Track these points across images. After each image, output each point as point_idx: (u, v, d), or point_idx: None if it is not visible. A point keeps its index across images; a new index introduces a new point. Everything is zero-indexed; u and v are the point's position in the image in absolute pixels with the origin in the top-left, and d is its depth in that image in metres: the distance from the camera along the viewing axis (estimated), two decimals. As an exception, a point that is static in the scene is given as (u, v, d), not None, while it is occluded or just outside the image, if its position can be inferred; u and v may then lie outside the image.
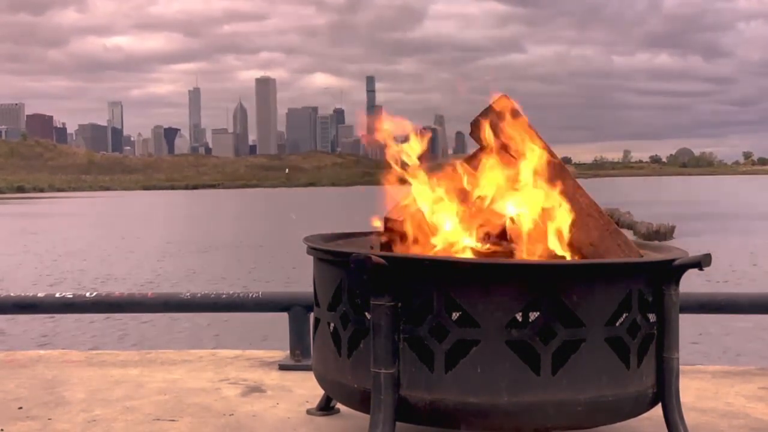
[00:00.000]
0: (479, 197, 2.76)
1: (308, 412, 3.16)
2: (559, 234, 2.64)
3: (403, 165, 2.79)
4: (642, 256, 2.74)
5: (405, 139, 2.82)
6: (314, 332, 2.82)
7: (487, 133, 2.71)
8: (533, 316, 2.57)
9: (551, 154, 2.74)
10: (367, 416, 2.46)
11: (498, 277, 2.40)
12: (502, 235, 2.69)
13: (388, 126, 2.81)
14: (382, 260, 2.37)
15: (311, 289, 2.86)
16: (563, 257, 2.64)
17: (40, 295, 4.44)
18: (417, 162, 2.79)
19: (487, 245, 2.66)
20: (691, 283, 3.24)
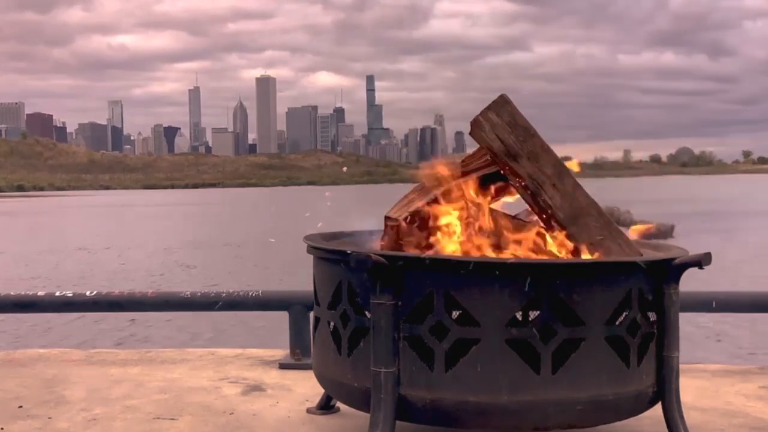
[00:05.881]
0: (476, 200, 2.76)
1: (308, 410, 3.16)
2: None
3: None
4: (642, 255, 2.74)
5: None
6: (314, 331, 2.82)
7: (486, 133, 2.71)
8: (533, 314, 2.57)
9: (550, 153, 2.74)
10: (367, 415, 2.46)
11: (498, 275, 2.40)
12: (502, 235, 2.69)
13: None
14: (382, 259, 2.37)
15: (311, 288, 2.86)
16: (563, 256, 2.64)
17: (40, 293, 4.44)
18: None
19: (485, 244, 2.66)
20: (691, 282, 3.24)
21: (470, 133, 2.75)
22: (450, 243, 2.69)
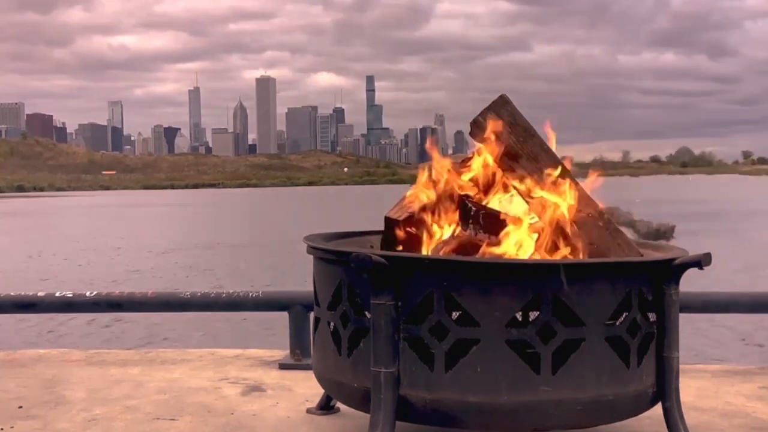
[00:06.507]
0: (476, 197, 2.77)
1: (308, 411, 3.16)
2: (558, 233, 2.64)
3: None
4: (642, 256, 2.74)
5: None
6: (314, 331, 2.82)
7: (486, 133, 2.71)
8: (533, 315, 2.57)
9: (550, 153, 2.74)
10: (367, 415, 2.46)
11: (498, 276, 2.40)
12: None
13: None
14: (382, 259, 2.37)
15: (311, 289, 2.86)
16: (563, 256, 2.64)
17: (40, 294, 4.43)
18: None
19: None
20: (691, 283, 3.24)
21: (470, 134, 2.75)
22: (448, 243, 2.69)
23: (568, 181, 2.68)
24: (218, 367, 3.96)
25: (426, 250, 2.73)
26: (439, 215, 2.75)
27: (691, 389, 3.40)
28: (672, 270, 2.54)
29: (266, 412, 3.19)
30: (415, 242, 2.78)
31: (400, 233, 2.77)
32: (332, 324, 2.66)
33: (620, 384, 2.45)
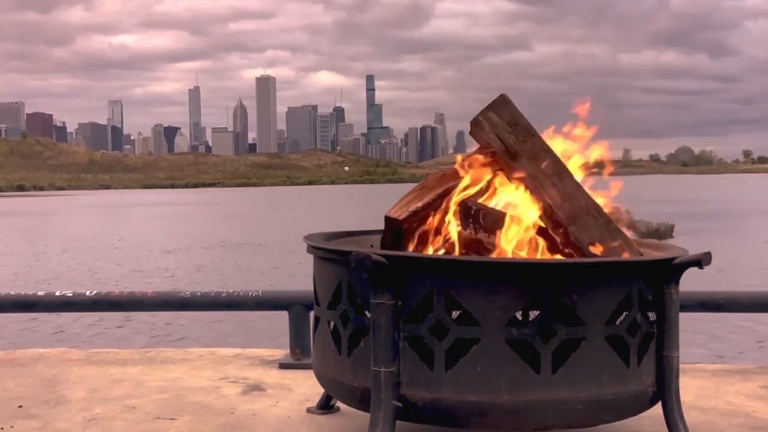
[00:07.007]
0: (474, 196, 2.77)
1: (308, 410, 3.16)
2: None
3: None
4: (642, 255, 2.74)
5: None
6: (314, 331, 2.82)
7: (486, 132, 2.71)
8: (533, 314, 2.57)
9: (550, 152, 2.74)
10: (367, 415, 2.46)
11: (498, 275, 2.40)
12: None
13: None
14: (382, 259, 2.37)
15: (311, 288, 2.86)
16: (563, 256, 2.65)
17: (40, 293, 4.43)
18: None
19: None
20: (691, 282, 3.24)
21: (470, 133, 2.75)
22: (450, 242, 2.69)
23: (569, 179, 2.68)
24: (218, 367, 3.96)
25: (426, 250, 2.73)
26: (440, 214, 2.75)
27: (691, 389, 3.40)
28: (672, 269, 2.54)
29: (266, 412, 3.19)
30: (415, 241, 2.78)
31: (400, 232, 2.77)
32: (332, 323, 2.66)
33: (620, 383, 2.45)
